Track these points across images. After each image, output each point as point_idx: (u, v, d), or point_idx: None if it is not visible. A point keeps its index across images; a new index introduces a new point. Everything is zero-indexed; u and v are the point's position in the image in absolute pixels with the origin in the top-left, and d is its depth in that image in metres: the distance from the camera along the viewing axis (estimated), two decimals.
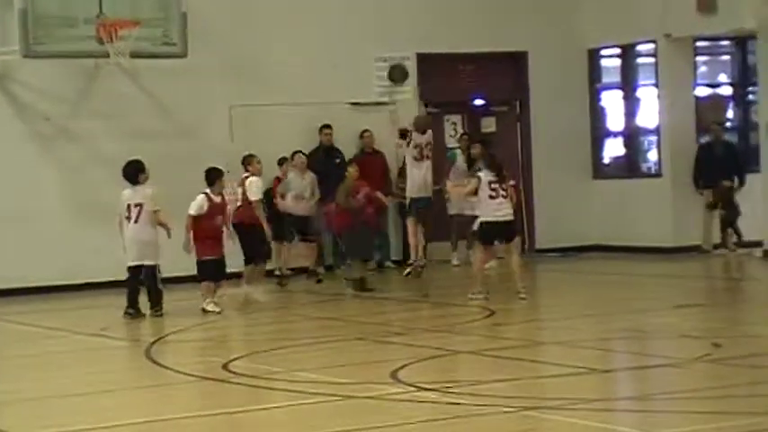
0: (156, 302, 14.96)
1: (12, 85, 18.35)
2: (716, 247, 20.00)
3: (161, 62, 18.56)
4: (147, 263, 14.91)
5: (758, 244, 19.47)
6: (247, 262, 16.15)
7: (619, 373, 10.98)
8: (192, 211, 15.18)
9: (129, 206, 14.98)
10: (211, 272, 15.22)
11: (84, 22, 17.81)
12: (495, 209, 14.95)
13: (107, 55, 17.84)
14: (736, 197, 19.91)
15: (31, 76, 18.26)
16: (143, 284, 14.99)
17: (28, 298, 17.52)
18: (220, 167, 15.63)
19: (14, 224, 17.99)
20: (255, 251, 15.99)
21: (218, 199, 15.37)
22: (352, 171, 17.18)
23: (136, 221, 14.92)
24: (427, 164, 16.39)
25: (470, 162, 17.94)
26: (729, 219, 19.89)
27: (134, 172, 15.09)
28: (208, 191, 15.30)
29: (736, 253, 19.68)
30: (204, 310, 15.09)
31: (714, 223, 20.02)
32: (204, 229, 15.18)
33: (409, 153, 16.48)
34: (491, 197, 14.95)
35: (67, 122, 18.48)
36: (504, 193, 15.01)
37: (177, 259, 15.48)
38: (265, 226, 15.90)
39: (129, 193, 15.04)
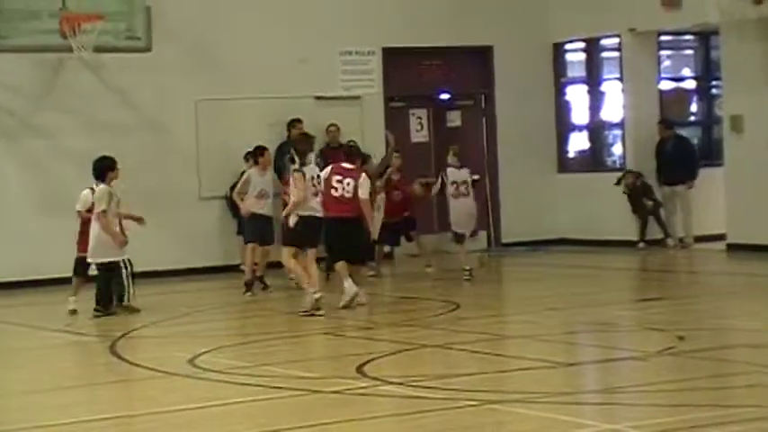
0: (97, 301, 14.57)
1: None
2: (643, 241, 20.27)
3: (125, 56, 18.48)
4: (94, 260, 14.60)
5: (721, 237, 19.61)
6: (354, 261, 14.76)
7: (583, 366, 11.02)
8: (78, 206, 14.82)
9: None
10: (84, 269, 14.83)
11: (48, 15, 17.72)
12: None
13: (71, 49, 17.75)
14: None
15: None
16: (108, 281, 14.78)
17: None
18: (112, 157, 14.88)
19: None
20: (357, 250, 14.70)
21: None
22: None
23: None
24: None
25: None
26: (653, 211, 20.20)
27: (101, 170, 14.63)
28: (93, 185, 14.79)
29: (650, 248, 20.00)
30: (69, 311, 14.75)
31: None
32: (87, 225, 14.67)
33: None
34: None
35: (31, 117, 18.36)
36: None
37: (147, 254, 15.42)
38: (370, 224, 14.76)
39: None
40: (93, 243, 14.52)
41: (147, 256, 16.55)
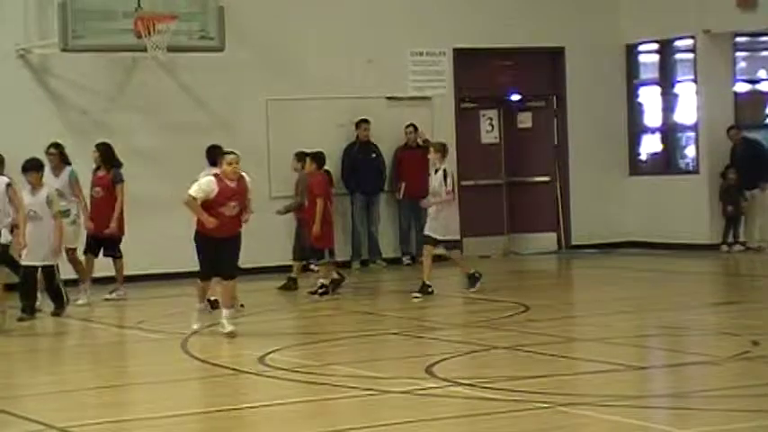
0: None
1: (50, 78, 18.45)
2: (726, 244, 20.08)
3: (198, 56, 18.62)
4: None
5: None
6: None
7: (655, 369, 10.94)
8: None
9: None
10: None
11: (122, 15, 17.90)
12: None
13: (145, 49, 17.90)
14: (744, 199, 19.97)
15: (70, 69, 18.35)
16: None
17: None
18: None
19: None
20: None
21: None
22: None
23: None
24: None
25: None
26: (728, 217, 20.02)
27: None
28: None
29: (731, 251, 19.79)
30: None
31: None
32: None
33: None
34: None
35: (104, 115, 18.56)
36: None
37: None
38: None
39: None
40: None
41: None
